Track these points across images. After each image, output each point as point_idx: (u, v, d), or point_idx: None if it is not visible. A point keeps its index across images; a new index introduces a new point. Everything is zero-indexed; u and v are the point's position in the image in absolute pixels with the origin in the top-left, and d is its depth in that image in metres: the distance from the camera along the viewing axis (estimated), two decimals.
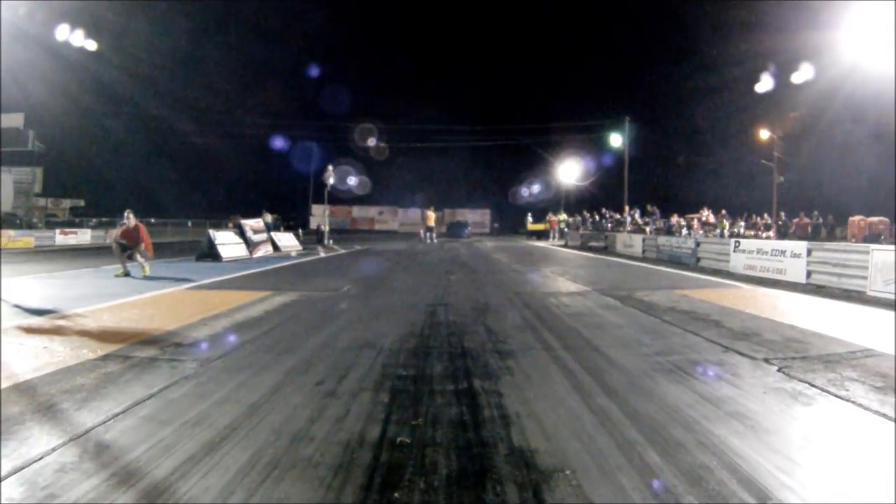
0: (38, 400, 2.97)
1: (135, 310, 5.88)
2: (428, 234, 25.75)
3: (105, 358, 3.77)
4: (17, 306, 6.12)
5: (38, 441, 2.40)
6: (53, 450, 2.30)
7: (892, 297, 7.14)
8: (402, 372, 3.37)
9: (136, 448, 2.26)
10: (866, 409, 2.81)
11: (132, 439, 2.36)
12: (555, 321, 5.19)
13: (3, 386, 3.21)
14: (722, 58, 31.00)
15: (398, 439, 2.30)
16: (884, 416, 2.72)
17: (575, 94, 45.33)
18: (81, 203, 40.24)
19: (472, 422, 2.50)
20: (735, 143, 31.84)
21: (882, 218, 19.78)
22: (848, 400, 2.94)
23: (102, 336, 4.51)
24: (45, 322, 5.20)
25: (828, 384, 3.21)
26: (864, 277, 7.85)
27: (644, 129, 32.81)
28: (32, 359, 3.80)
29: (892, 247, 8.59)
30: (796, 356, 3.88)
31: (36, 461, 2.20)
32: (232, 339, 4.34)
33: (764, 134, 27.37)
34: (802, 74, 20.86)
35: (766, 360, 3.74)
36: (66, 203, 38.78)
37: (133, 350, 3.99)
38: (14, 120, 7.38)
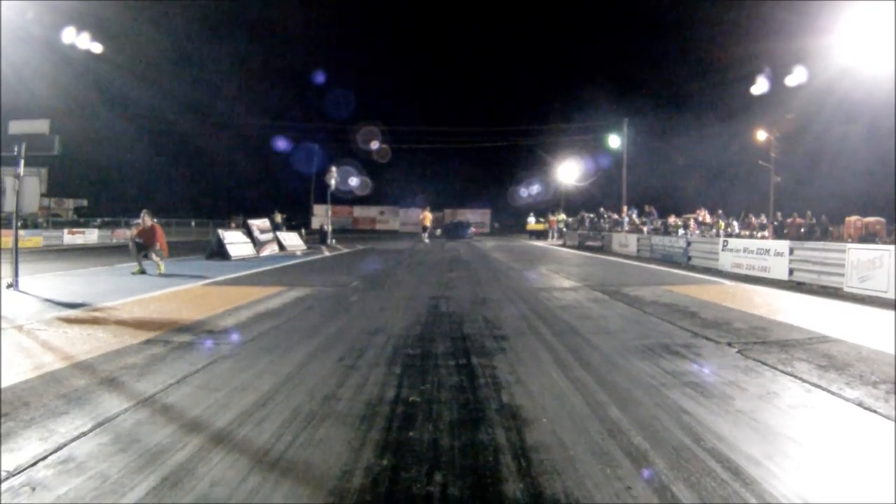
0: (100, 375, 3.47)
1: (160, 303, 6.38)
2: (424, 234, 26.29)
3: (147, 342, 4.29)
4: (48, 300, 6.60)
5: (111, 404, 2.91)
6: (126, 410, 2.81)
7: (867, 293, 7.64)
8: (410, 351, 3.92)
9: (196, 407, 2.78)
10: (804, 381, 3.33)
11: (191, 401, 2.87)
12: (546, 312, 5.72)
13: (62, 365, 3.70)
14: (719, 60, 31.58)
15: (410, 398, 2.85)
16: (817, 385, 3.23)
17: (575, 95, 45.96)
18: (84, 203, 40.83)
19: (470, 386, 3.05)
20: (733, 143, 32.41)
21: (878, 218, 20.27)
22: (790, 374, 3.46)
23: (138, 325, 5.02)
24: (81, 314, 5.69)
25: (777, 363, 3.73)
26: (842, 275, 8.34)
27: (643, 130, 33.39)
28: (81, 344, 4.30)
29: (867, 245, 9.10)
30: (757, 341, 4.40)
31: (114, 418, 2.71)
32: (257, 326, 4.87)
33: (761, 135, 27.91)
34: (796, 77, 21.36)
35: (729, 344, 4.26)
36: (70, 203, 39.34)
37: (170, 336, 4.51)
38: (40, 126, 7.71)
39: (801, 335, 4.69)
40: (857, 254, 8.18)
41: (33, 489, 2.01)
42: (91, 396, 3.03)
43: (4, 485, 1.98)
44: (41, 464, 2.21)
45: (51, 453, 2.30)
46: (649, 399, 2.86)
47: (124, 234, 26.78)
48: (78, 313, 5.72)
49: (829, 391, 3.15)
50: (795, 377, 3.40)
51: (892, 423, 2.65)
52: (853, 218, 20.64)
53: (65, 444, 2.38)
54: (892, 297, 7.08)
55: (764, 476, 2.04)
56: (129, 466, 2.15)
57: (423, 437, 2.34)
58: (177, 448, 2.30)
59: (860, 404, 2.94)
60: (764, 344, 4.30)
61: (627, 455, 2.17)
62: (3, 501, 1.79)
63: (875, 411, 2.83)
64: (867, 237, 18.91)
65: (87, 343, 4.31)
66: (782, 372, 3.51)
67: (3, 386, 3.17)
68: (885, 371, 3.57)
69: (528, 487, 1.91)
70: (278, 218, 21.72)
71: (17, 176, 8.19)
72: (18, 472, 2.12)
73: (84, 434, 2.50)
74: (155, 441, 2.39)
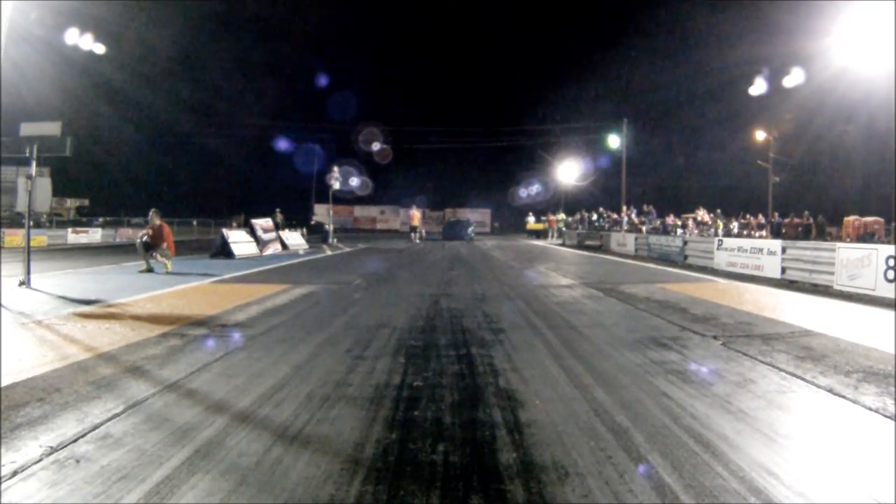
0: (124, 364, 3.72)
1: (171, 299, 6.63)
2: (414, 234, 26.03)
3: (164, 335, 4.53)
4: (61, 297, 6.83)
5: (139, 389, 3.15)
6: (153, 394, 3.05)
7: (856, 290, 7.86)
8: (413, 343, 4.19)
9: (218, 391, 3.03)
10: (780, 370, 3.58)
11: (213, 386, 3.12)
12: (542, 308, 5.99)
13: (86, 356, 3.94)
14: (719, 61, 31.85)
15: (414, 383, 3.12)
16: (792, 374, 3.47)
17: (575, 95, 46.21)
18: (86, 202, 41.10)
19: (470, 373, 3.33)
20: (732, 144, 32.72)
21: (876, 218, 20.54)
22: (768, 364, 3.70)
23: (153, 319, 5.26)
24: (96, 309, 5.93)
25: (758, 353, 3.97)
26: (832, 273, 8.57)
27: (642, 130, 33.70)
28: (101, 337, 4.54)
29: (856, 245, 9.35)
30: (741, 335, 4.65)
31: (144, 401, 2.95)
32: (268, 320, 5.13)
33: (760, 135, 28.19)
34: (794, 78, 21.58)
35: (714, 337, 4.51)
36: (71, 203, 39.58)
37: (185, 329, 4.76)
38: (51, 128, 7.90)
39: (784, 329, 4.93)
40: (847, 252, 8.42)
41: (77, 462, 2.25)
42: (119, 383, 3.28)
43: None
44: (81, 440, 2.45)
45: (89, 431, 2.54)
46: (634, 384, 3.11)
47: (128, 234, 27.08)
48: (93, 309, 5.95)
49: (803, 379, 3.39)
50: (773, 366, 3.64)
51: (857, 406, 2.90)
52: (852, 218, 20.91)
53: (101, 424, 2.62)
54: (880, 294, 7.32)
55: (731, 449, 2.29)
56: (163, 441, 2.39)
57: (427, 415, 2.60)
58: (205, 426, 2.54)
59: (830, 391, 3.17)
60: (748, 337, 4.55)
61: (610, 431, 2.42)
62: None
63: (844, 397, 3.07)
64: (865, 237, 19.17)
65: (106, 336, 4.55)
66: (761, 362, 3.76)
67: (32, 374, 3.40)
68: (859, 361, 3.81)
69: (520, 456, 2.16)
70: (279, 217, 21.98)
71: (29, 177, 8.43)
72: (62, 448, 2.35)
73: (117, 415, 2.74)
74: (184, 420, 2.64)
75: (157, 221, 10.22)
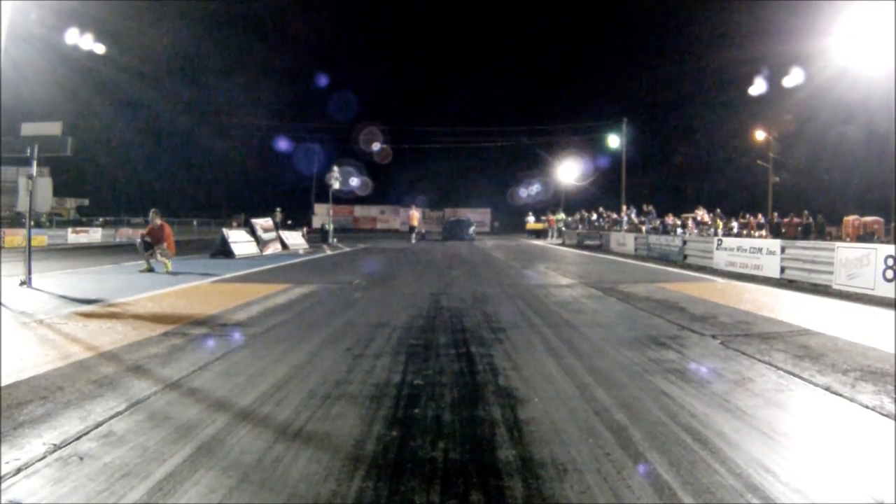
0: (126, 363, 3.74)
1: (172, 299, 6.64)
2: (412, 234, 25.96)
3: (166, 335, 4.55)
4: (62, 297, 6.85)
5: (141, 388, 3.17)
6: (155, 393, 3.07)
7: (854, 290, 7.88)
8: (413, 342, 4.21)
9: (220, 389, 3.05)
10: (778, 368, 3.60)
11: (214, 385, 3.14)
12: (541, 307, 6.01)
13: (88, 355, 3.96)
14: (719, 61, 31.92)
15: (414, 382, 3.14)
16: (790, 373, 3.49)
17: (575, 96, 46.24)
18: (86, 202, 41.16)
19: (469, 372, 3.35)
20: (731, 144, 32.78)
21: (876, 217, 20.54)
22: (766, 363, 3.72)
23: (155, 319, 5.28)
24: (97, 309, 5.95)
25: (756, 352, 3.99)
26: (831, 273, 8.59)
27: (642, 130, 33.76)
28: (102, 336, 4.56)
29: (855, 244, 9.37)
30: (740, 333, 4.67)
31: (146, 399, 2.97)
32: (268, 320, 5.15)
33: (759, 135, 28.22)
34: (793, 78, 21.57)
35: (713, 336, 4.53)
36: (71, 202, 39.64)
37: (187, 329, 4.78)
38: (52, 128, 7.96)
39: (782, 328, 4.95)
40: (846, 252, 8.43)
41: (80, 459, 2.27)
42: (121, 381, 3.30)
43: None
44: (84, 438, 2.47)
45: (92, 429, 2.56)
46: (633, 383, 3.14)
47: (128, 234, 27.11)
48: (94, 308, 5.97)
49: (800, 377, 3.41)
50: (771, 365, 3.67)
51: (855, 404, 2.92)
52: (851, 217, 20.91)
53: (103, 422, 2.64)
54: (878, 293, 7.33)
55: (729, 447, 2.31)
56: (165, 439, 2.41)
57: (428, 413, 2.62)
58: (206, 424, 2.56)
59: (828, 389, 3.19)
60: (746, 336, 4.57)
61: (609, 428, 2.45)
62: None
63: (841, 395, 3.09)
64: (865, 236, 19.17)
65: (108, 335, 4.57)
66: (759, 360, 3.78)
67: (35, 373, 3.42)
68: (857, 361, 3.83)
69: (519, 453, 2.19)
70: (278, 216, 22.00)
71: (30, 176, 8.44)
72: (65, 445, 2.37)
73: (120, 413, 2.76)
74: (186, 418, 2.66)
75: (158, 221, 10.25)
